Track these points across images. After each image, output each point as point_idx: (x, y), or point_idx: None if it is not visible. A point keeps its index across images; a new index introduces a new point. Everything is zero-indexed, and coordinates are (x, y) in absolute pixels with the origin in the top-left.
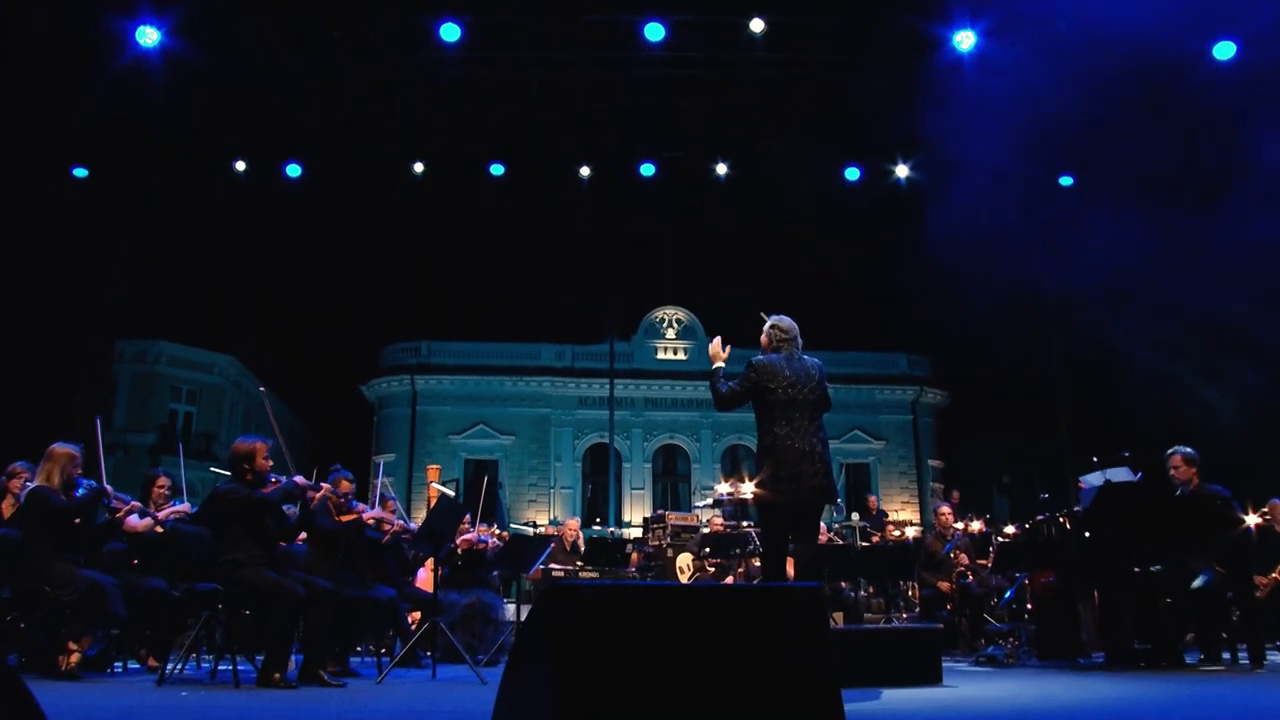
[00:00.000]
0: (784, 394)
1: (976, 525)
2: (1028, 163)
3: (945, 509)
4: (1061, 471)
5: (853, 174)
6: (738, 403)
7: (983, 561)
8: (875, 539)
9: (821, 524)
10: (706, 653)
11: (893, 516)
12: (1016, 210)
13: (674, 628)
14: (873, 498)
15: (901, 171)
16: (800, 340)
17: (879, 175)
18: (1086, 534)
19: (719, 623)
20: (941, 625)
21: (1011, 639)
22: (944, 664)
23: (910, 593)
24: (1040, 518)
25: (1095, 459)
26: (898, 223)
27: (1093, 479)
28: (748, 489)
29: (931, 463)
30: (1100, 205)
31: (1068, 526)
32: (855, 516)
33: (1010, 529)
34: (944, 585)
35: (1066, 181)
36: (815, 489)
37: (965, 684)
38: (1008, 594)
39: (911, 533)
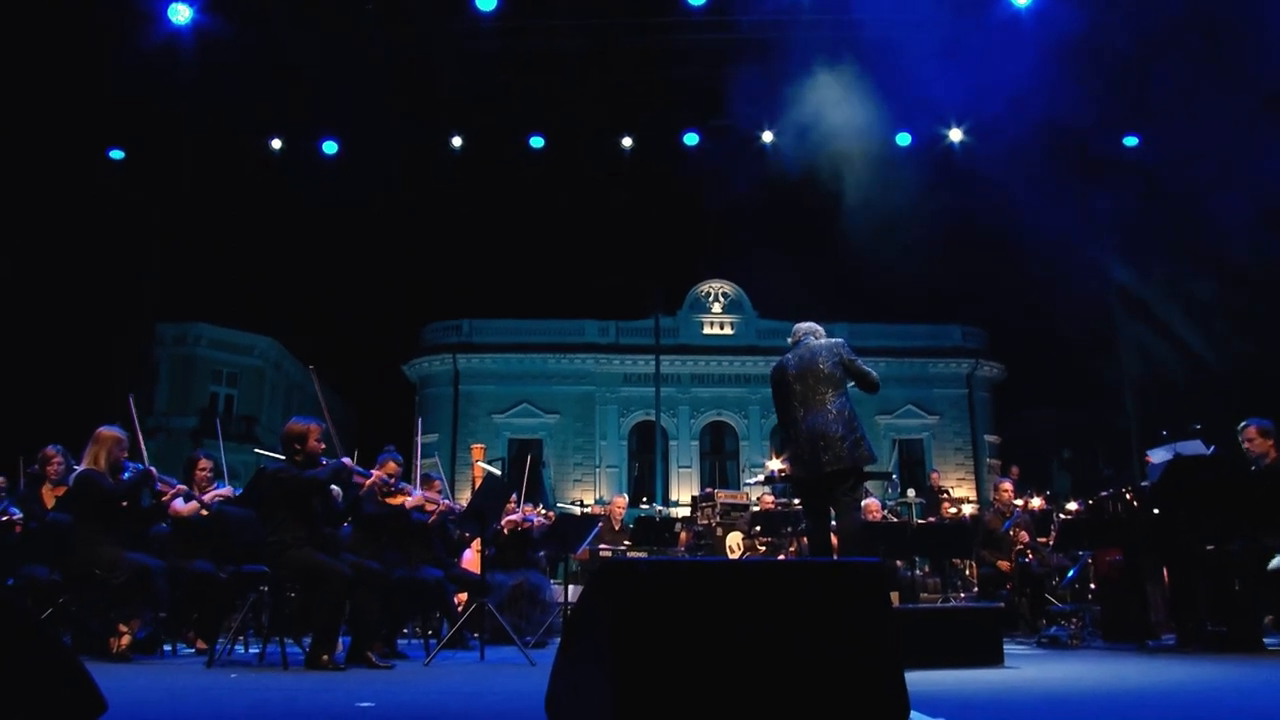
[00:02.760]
0: (794, 384)
1: (1037, 502)
2: (1090, 123)
3: (1005, 485)
4: (1126, 446)
5: (904, 139)
6: (780, 408)
7: (1043, 540)
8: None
9: (875, 500)
10: (765, 630)
11: (949, 493)
12: (1077, 173)
13: (731, 605)
14: (935, 474)
15: (955, 135)
16: (815, 331)
17: (931, 140)
18: (1155, 511)
19: (778, 599)
20: (1002, 605)
21: (1075, 620)
22: (1004, 645)
23: (968, 572)
24: (1105, 494)
25: (1164, 432)
26: (951, 189)
27: (1161, 453)
28: None
29: (988, 438)
30: (1168, 165)
31: (1134, 503)
32: (911, 493)
33: (1073, 506)
34: (1003, 564)
35: (1131, 142)
36: (832, 462)
37: (1028, 665)
38: (1071, 573)
39: (968, 510)
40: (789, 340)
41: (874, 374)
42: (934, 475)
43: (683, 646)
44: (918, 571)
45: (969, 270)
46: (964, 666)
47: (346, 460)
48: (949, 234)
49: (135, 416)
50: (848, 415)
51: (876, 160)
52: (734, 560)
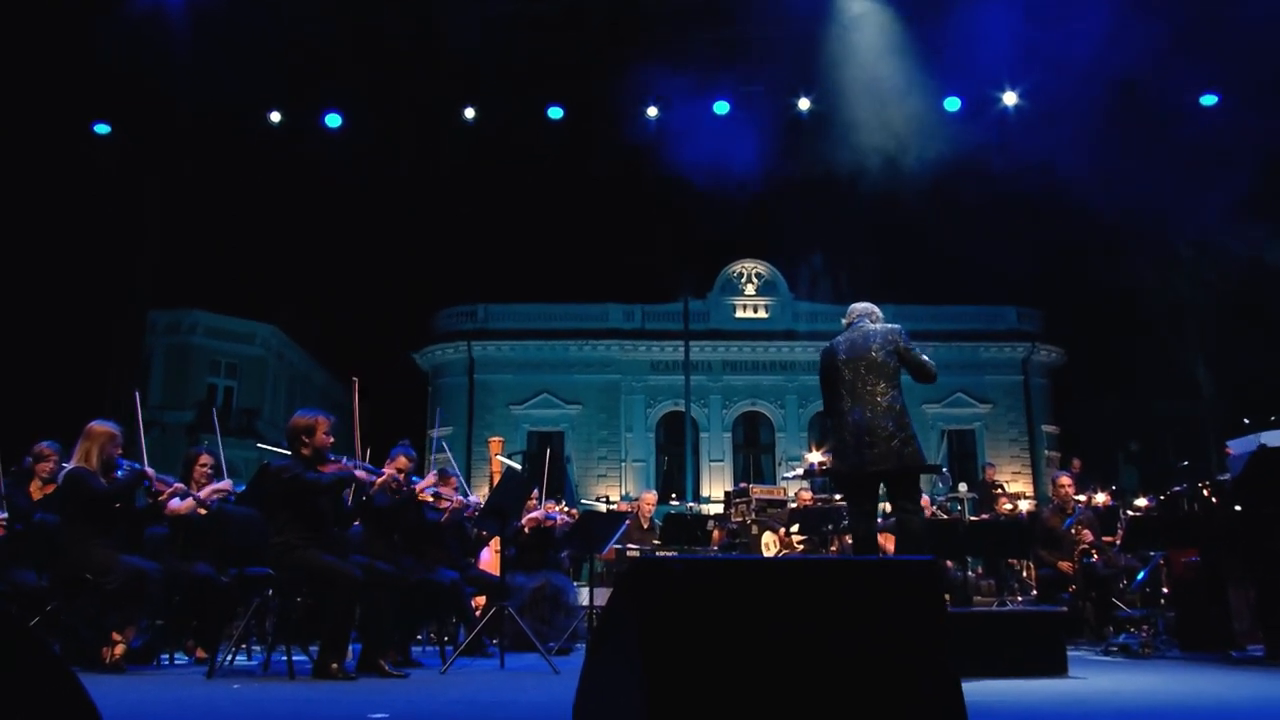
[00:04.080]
0: (843, 370)
1: (1101, 498)
2: (1160, 81)
3: (1065, 479)
4: (1202, 436)
5: (953, 104)
6: (826, 394)
7: (1109, 539)
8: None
9: (924, 496)
10: (808, 635)
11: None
12: (1146, 137)
13: (770, 606)
14: (988, 467)
15: (1009, 99)
16: (872, 314)
17: (982, 104)
18: (1238, 507)
19: (821, 601)
20: (1065, 609)
21: (1146, 627)
22: (1068, 653)
23: (1025, 573)
24: (1178, 489)
25: (1246, 421)
26: (1005, 158)
27: (1244, 444)
28: None
29: (1046, 428)
30: (1249, 126)
31: (1213, 499)
32: (963, 488)
33: (1142, 502)
34: (1064, 565)
35: (1209, 101)
36: (877, 461)
37: (1096, 675)
38: (1141, 576)
39: (1025, 506)
40: (843, 321)
41: (932, 364)
42: (987, 469)
43: (719, 651)
44: (970, 573)
45: (1025, 246)
46: (1023, 676)
47: (356, 471)
48: (1003, 207)
49: (140, 413)
50: (898, 411)
51: (923, 127)
52: (773, 558)
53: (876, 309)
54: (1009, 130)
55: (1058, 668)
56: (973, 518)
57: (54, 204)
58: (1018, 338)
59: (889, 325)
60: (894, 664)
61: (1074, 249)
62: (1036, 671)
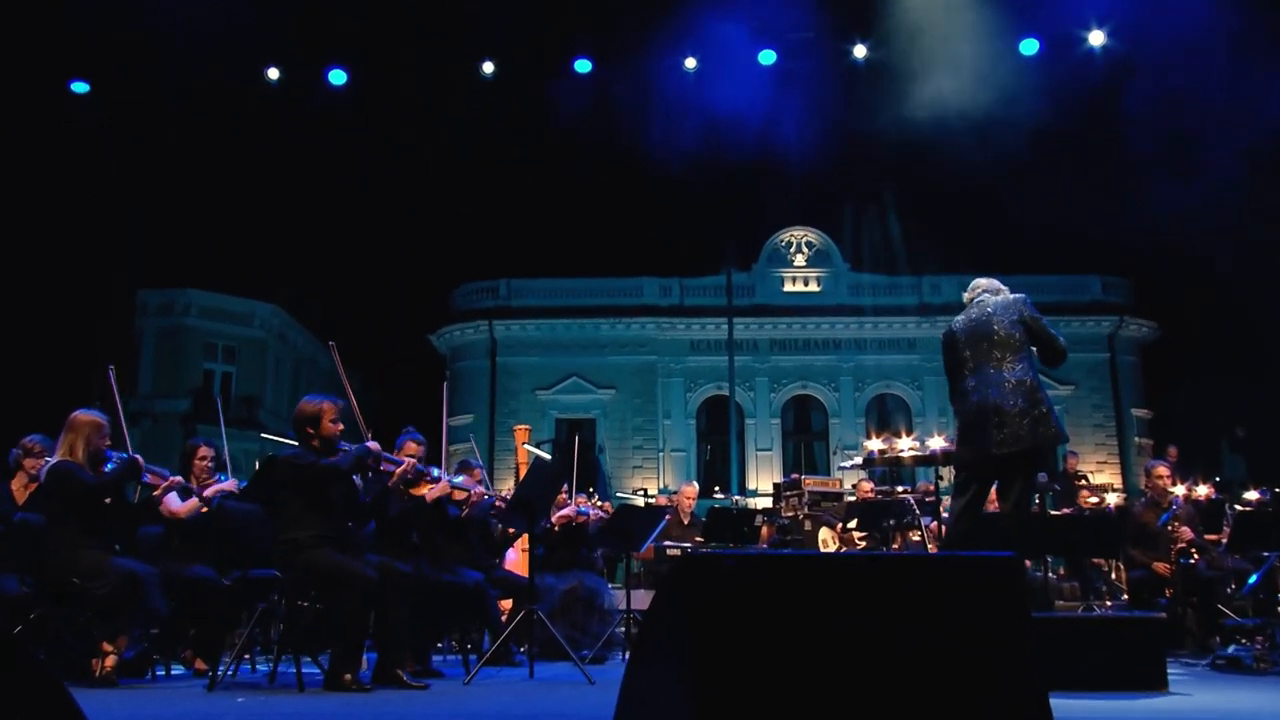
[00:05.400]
0: (963, 350)
1: (1203, 490)
2: (1273, 15)
3: (1161, 469)
4: None
5: (1030, 47)
6: (950, 378)
7: (1213, 537)
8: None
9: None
10: (874, 638)
11: (1089, 479)
12: (1256, 80)
13: (833, 607)
14: (1071, 456)
15: (1095, 39)
16: (995, 289)
17: (1065, 46)
18: None
19: (888, 601)
20: (1163, 615)
21: (1261, 638)
22: (1168, 666)
23: (1114, 575)
24: None
25: None
26: (1090, 107)
27: None
28: (905, 445)
29: (1136, 412)
30: None
31: None
32: (1042, 479)
33: (1252, 495)
34: (1160, 566)
35: None
36: (1007, 442)
37: (1202, 692)
38: (1253, 579)
39: (1113, 500)
40: (964, 298)
41: (1062, 341)
42: (1069, 458)
43: (775, 655)
44: (1051, 575)
45: (1112, 207)
46: (1117, 691)
47: (373, 444)
48: (1085, 163)
49: (117, 393)
50: (1029, 385)
51: (995, 75)
52: (834, 554)
53: (999, 284)
54: (1095, 76)
55: (1156, 682)
56: (1054, 512)
57: (27, 172)
58: (1103, 310)
59: (1013, 296)
60: (971, 673)
61: (1168, 209)
62: (1132, 686)
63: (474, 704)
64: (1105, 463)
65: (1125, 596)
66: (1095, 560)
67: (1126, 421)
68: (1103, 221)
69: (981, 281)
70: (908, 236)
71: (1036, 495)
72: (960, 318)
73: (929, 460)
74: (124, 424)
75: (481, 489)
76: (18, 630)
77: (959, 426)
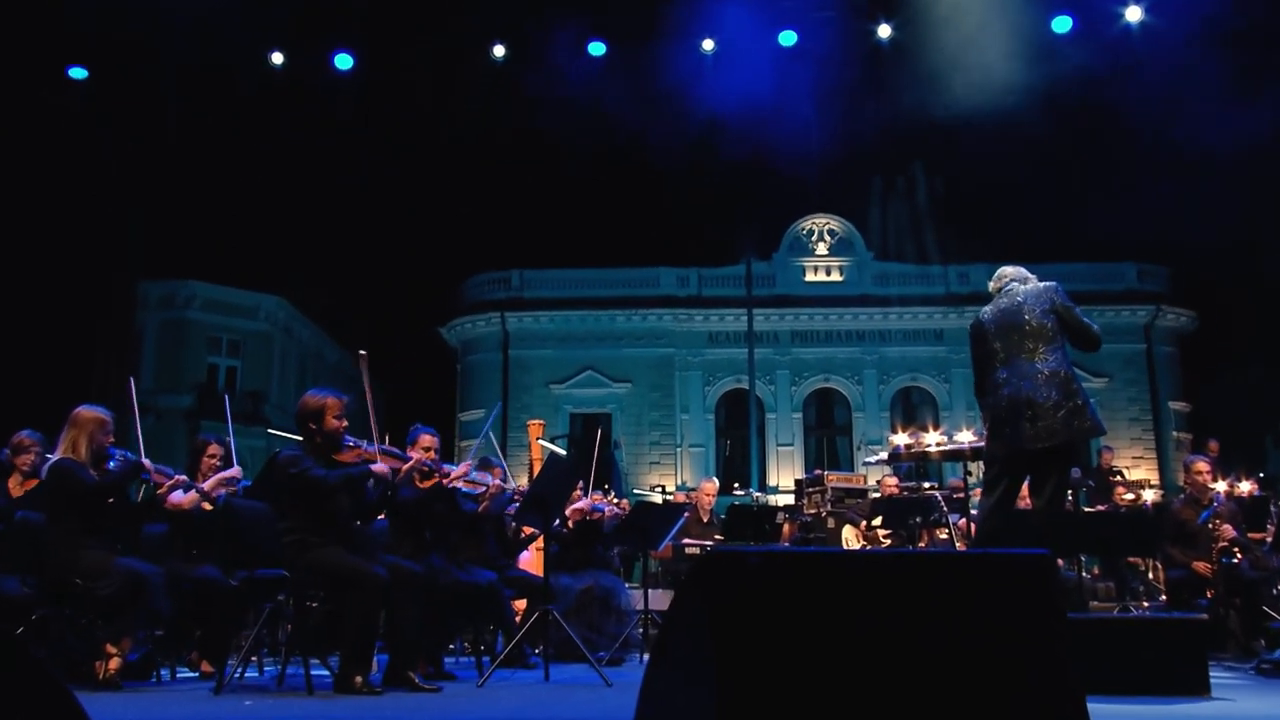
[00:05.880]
0: (993, 342)
1: (1245, 486)
2: None
3: (1201, 464)
4: None
5: (1062, 24)
6: (977, 372)
7: (1256, 535)
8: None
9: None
10: (902, 639)
11: (1124, 474)
12: None
13: (860, 607)
14: (1105, 451)
15: (1132, 14)
16: (1024, 277)
17: (1100, 23)
18: None
19: (919, 601)
20: (1205, 616)
21: None
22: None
23: (1151, 575)
24: None
25: None
26: (1126, 87)
27: None
28: (933, 439)
29: (1174, 405)
30: None
31: None
32: (1075, 474)
33: None
34: (1200, 566)
35: None
36: (1041, 436)
37: (1246, 698)
38: None
39: (1150, 496)
40: (990, 287)
41: (1095, 328)
42: (1104, 452)
43: (799, 656)
44: (1085, 574)
45: (1148, 191)
46: (1156, 696)
47: (374, 466)
48: (1120, 146)
49: (135, 405)
50: (1063, 376)
51: (1026, 54)
52: (863, 551)
53: (1028, 272)
54: (1131, 55)
55: (1198, 687)
56: (1087, 509)
57: (23, 160)
58: (1138, 299)
59: (1043, 284)
60: (1003, 675)
61: (1207, 193)
62: (1172, 691)
63: (488, 707)
64: (1141, 458)
65: (1163, 597)
66: (1131, 559)
67: (1163, 415)
68: (1138, 206)
69: (1008, 270)
70: (934, 223)
71: (1070, 491)
72: (989, 308)
73: (957, 455)
74: (139, 429)
75: (498, 483)
76: (19, 632)
77: (989, 420)
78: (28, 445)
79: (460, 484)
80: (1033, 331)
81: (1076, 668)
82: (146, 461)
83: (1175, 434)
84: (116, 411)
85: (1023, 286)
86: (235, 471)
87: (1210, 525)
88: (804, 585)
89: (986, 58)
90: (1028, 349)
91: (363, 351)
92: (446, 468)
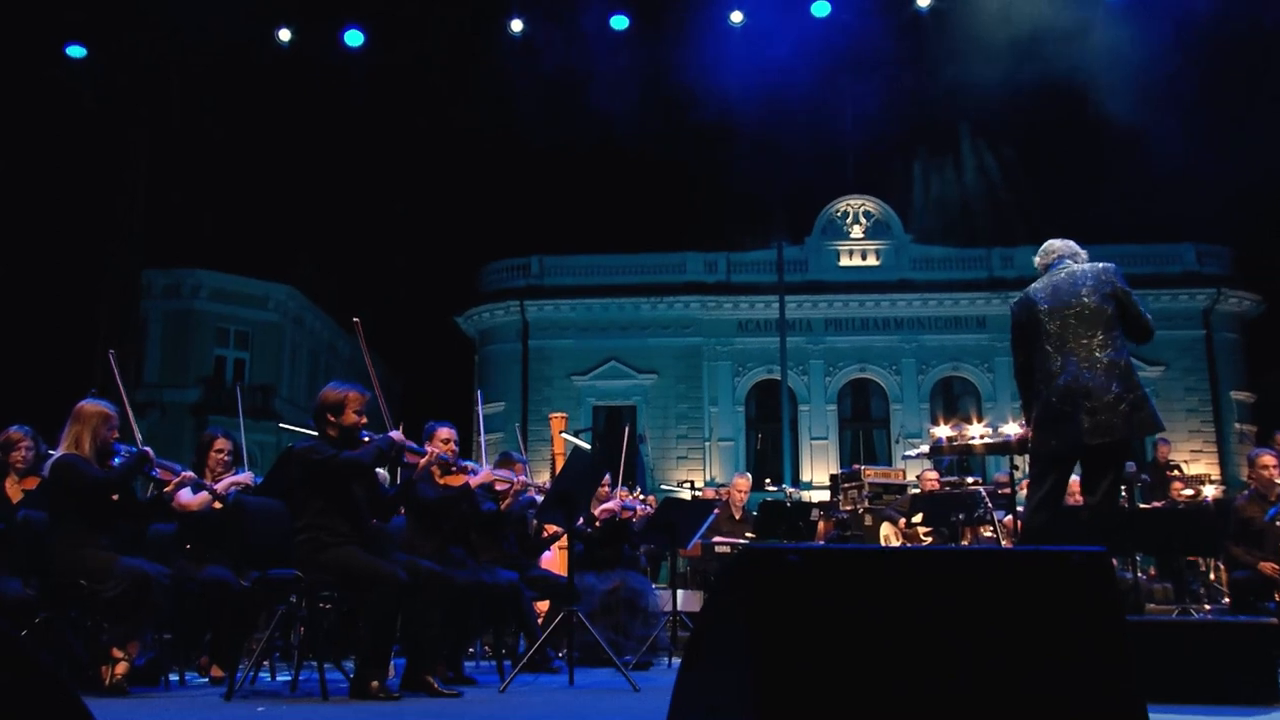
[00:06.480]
0: (1047, 323)
1: None
2: None
3: (1267, 458)
4: None
5: None
6: (1017, 356)
7: None
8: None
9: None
10: (950, 639)
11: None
12: None
13: (905, 606)
14: (1162, 444)
15: None
16: (1073, 252)
17: None
18: None
19: (968, 600)
20: (1274, 620)
21: None
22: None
23: (1213, 576)
24: None
25: None
26: (1181, 57)
27: None
28: (976, 431)
29: (1236, 395)
30: None
31: None
32: (1130, 468)
33: None
34: (1267, 566)
35: None
36: (1099, 431)
37: None
38: None
39: (1210, 492)
40: (1035, 263)
41: (1150, 318)
42: (1160, 446)
43: (841, 656)
44: (1141, 574)
45: (1208, 167)
46: (1220, 704)
47: (396, 434)
48: (1177, 119)
49: (120, 380)
50: (1123, 367)
51: (1074, 24)
52: (906, 548)
53: (1078, 247)
54: (1188, 22)
55: (1267, 696)
56: (1143, 505)
57: (22, 143)
58: (1198, 283)
59: (1100, 264)
60: (1059, 678)
61: (1273, 168)
62: (1238, 700)
63: (510, 713)
64: (1200, 451)
65: (1226, 600)
66: (1191, 559)
67: (1224, 405)
68: (1197, 183)
69: (1056, 244)
70: (976, 204)
71: (1124, 487)
72: (1039, 283)
73: (1003, 449)
74: (131, 414)
75: (523, 479)
76: (23, 635)
77: (1039, 411)
78: (17, 440)
79: (480, 480)
80: (1091, 316)
81: (1138, 671)
82: (149, 451)
83: (1237, 426)
84: (109, 396)
85: (1076, 265)
86: (246, 477)
87: (1277, 523)
88: (846, 584)
89: (1033, 27)
90: (1085, 334)
91: (356, 319)
92: (467, 464)
